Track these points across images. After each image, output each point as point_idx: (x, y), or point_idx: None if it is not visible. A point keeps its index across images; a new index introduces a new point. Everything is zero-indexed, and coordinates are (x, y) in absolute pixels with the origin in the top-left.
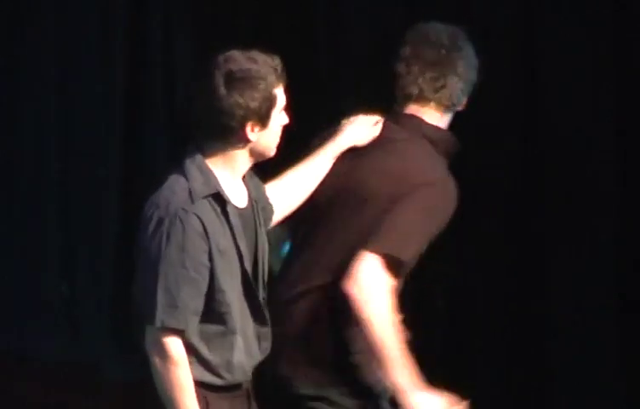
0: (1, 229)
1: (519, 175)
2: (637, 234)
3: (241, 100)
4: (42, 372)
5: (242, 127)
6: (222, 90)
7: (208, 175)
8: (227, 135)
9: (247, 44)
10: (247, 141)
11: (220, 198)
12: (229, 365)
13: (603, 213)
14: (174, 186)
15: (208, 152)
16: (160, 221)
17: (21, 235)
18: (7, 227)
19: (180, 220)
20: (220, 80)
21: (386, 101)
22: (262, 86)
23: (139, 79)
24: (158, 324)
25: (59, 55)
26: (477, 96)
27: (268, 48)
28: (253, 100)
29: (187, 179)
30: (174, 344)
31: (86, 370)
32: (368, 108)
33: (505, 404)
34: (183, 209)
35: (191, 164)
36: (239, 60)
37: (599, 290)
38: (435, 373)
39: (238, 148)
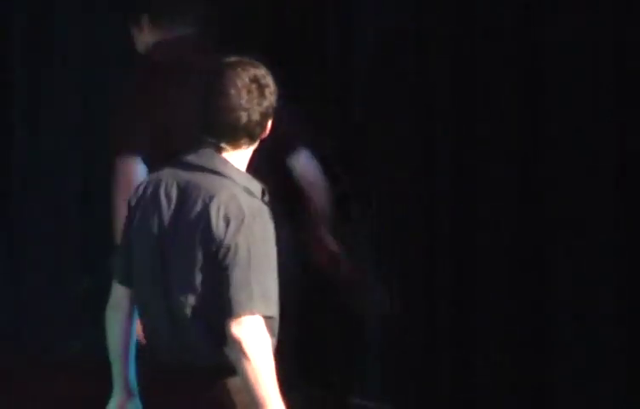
0: (1, 229)
1: (519, 175)
2: (638, 234)
3: (273, 100)
4: (44, 371)
5: (268, 125)
6: (259, 97)
7: (246, 176)
8: (257, 135)
9: (248, 45)
10: (263, 137)
11: (263, 195)
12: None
13: (603, 213)
14: (227, 187)
15: (230, 154)
16: (241, 219)
17: (22, 235)
18: (6, 228)
19: (261, 215)
20: (251, 87)
21: (390, 101)
22: (274, 85)
23: None
24: (256, 313)
25: (71, 57)
26: (478, 96)
27: (268, 48)
28: (276, 99)
29: (233, 180)
30: (265, 332)
31: (86, 369)
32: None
33: (506, 404)
34: (258, 205)
35: (223, 166)
36: (249, 66)
37: (599, 291)
38: (435, 373)
39: (255, 147)
